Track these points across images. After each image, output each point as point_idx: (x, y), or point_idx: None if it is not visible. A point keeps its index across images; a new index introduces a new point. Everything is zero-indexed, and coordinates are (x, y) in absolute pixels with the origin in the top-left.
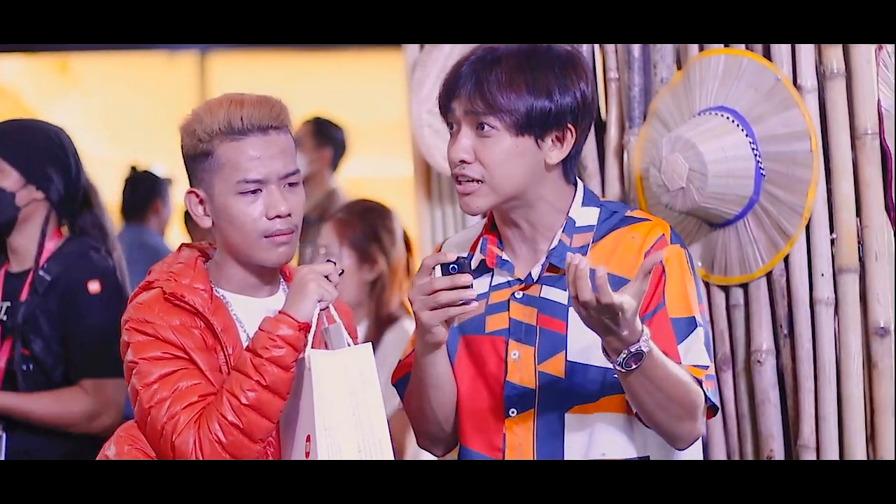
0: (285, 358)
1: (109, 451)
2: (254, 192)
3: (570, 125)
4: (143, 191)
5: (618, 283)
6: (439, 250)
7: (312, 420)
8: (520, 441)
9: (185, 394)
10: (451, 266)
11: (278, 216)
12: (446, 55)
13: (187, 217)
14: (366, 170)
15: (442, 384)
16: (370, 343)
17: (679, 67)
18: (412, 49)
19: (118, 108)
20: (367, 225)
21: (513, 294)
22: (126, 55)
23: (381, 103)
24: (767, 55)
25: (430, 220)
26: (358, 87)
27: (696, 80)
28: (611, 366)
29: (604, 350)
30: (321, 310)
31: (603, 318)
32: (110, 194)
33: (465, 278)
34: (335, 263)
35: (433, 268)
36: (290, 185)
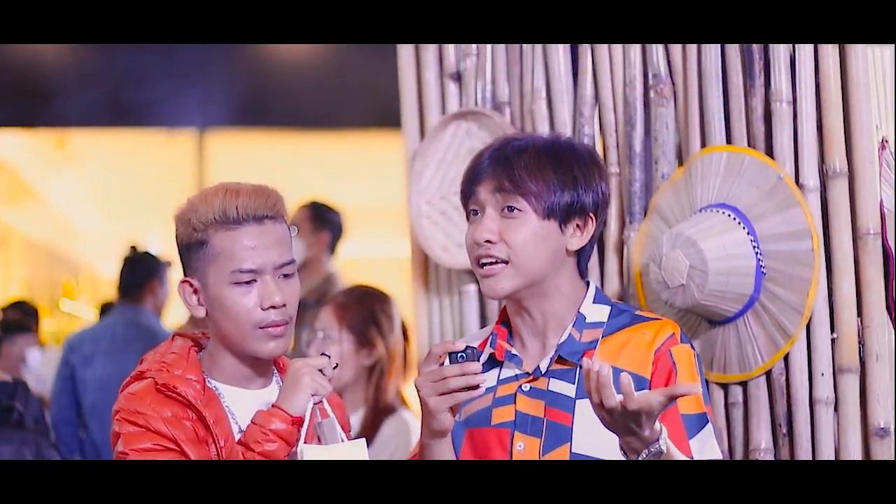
0: (277, 452)
1: None
2: (248, 282)
3: (591, 214)
4: (141, 271)
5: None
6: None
7: None
8: None
9: None
10: (459, 355)
11: (273, 307)
12: (446, 146)
13: None
14: (364, 251)
15: None
16: (364, 438)
17: (681, 163)
18: (412, 138)
19: (115, 184)
20: (366, 309)
21: (520, 387)
22: (124, 132)
23: (380, 183)
24: (770, 153)
25: (427, 309)
26: (356, 168)
27: (698, 177)
28: (619, 458)
29: (622, 449)
30: (315, 404)
31: (627, 422)
32: (107, 269)
33: (475, 366)
34: (329, 357)
35: (440, 356)
36: (285, 275)
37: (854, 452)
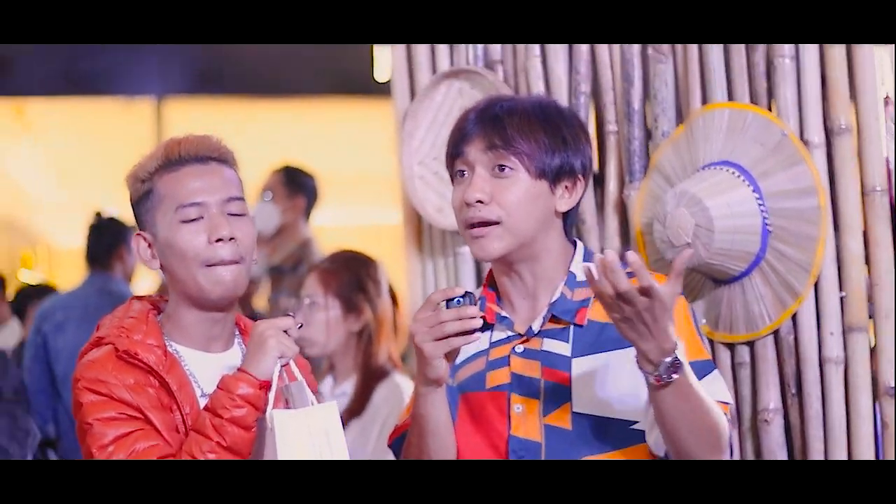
0: (246, 418)
1: None
2: (195, 219)
3: (580, 176)
4: (108, 237)
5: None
6: None
7: None
8: None
9: (141, 456)
10: (457, 300)
11: (220, 240)
12: (437, 105)
13: None
14: (354, 218)
15: (440, 433)
16: (335, 402)
17: (681, 121)
18: (402, 99)
19: (73, 153)
20: (352, 274)
21: (513, 348)
22: (81, 101)
23: (368, 151)
24: (773, 109)
25: (422, 272)
26: (318, 136)
27: (700, 134)
28: (619, 416)
29: (639, 365)
30: (282, 366)
31: (642, 314)
32: (65, 239)
33: (472, 309)
34: (294, 317)
35: (438, 303)
36: (234, 214)
37: (864, 412)
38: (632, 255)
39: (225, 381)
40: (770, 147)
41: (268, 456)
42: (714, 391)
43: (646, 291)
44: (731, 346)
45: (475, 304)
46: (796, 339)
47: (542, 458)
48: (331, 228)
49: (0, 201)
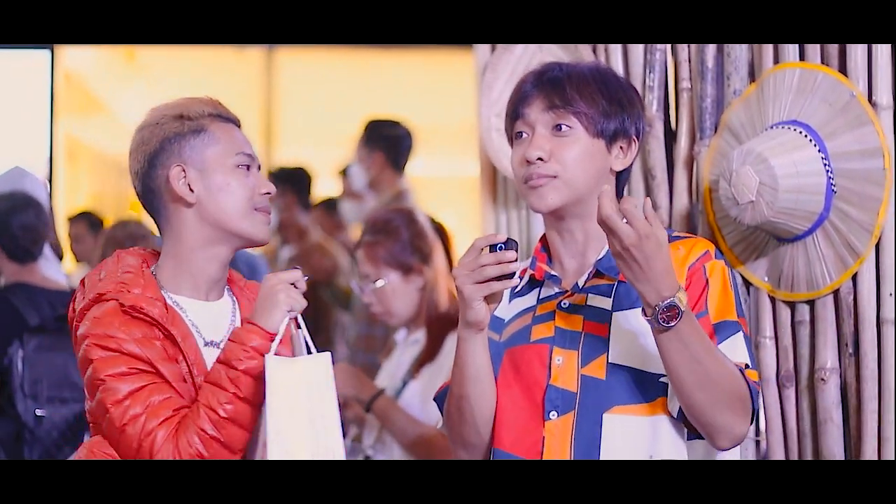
0: (259, 367)
1: None
2: (248, 167)
3: (634, 137)
4: None
5: None
6: None
7: (266, 425)
8: (558, 442)
9: (158, 409)
10: (499, 245)
11: (267, 192)
12: (517, 58)
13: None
14: (433, 170)
15: (480, 378)
16: (329, 352)
17: (753, 79)
18: (482, 51)
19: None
20: (396, 239)
21: (559, 304)
22: (194, 48)
23: (450, 103)
24: (843, 70)
25: (495, 222)
26: (426, 87)
27: (770, 94)
28: (650, 369)
29: (643, 310)
30: (290, 319)
31: (630, 251)
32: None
33: (511, 254)
34: (300, 269)
35: (482, 248)
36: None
37: None
38: (625, 201)
39: (237, 334)
40: (838, 107)
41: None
42: (734, 354)
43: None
44: (791, 305)
45: (515, 250)
46: (855, 299)
47: (576, 407)
48: (413, 179)
49: (112, 146)
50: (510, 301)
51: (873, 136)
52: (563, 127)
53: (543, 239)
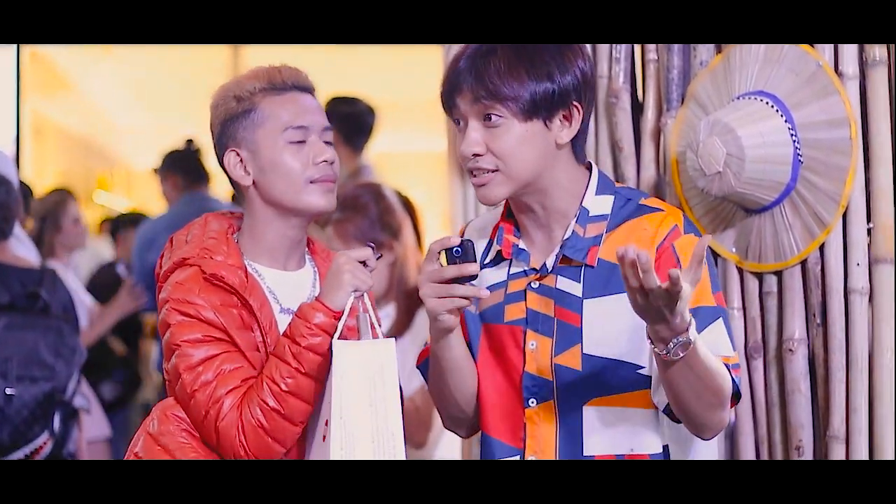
0: (322, 345)
1: (153, 429)
2: (300, 141)
3: (575, 103)
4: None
5: None
6: (463, 233)
7: (331, 406)
8: (541, 432)
9: (228, 378)
10: (455, 250)
11: (325, 161)
12: None
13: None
14: (400, 145)
15: (458, 368)
16: (393, 339)
17: (719, 51)
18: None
19: (152, 78)
20: (365, 215)
21: (529, 284)
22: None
23: (417, 79)
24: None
25: (463, 197)
26: (393, 63)
27: (737, 64)
28: (627, 359)
29: (650, 339)
30: (356, 297)
31: (660, 305)
32: (142, 161)
33: (472, 267)
34: (373, 247)
35: (439, 253)
36: (327, 142)
37: (887, 343)
38: (644, 256)
39: (303, 310)
40: (804, 78)
41: (329, 379)
42: (718, 345)
43: (672, 294)
44: (759, 276)
45: (473, 255)
46: (823, 269)
47: (555, 396)
48: (380, 155)
49: (79, 123)
50: (481, 269)
51: (839, 105)
52: (493, 117)
53: (507, 207)
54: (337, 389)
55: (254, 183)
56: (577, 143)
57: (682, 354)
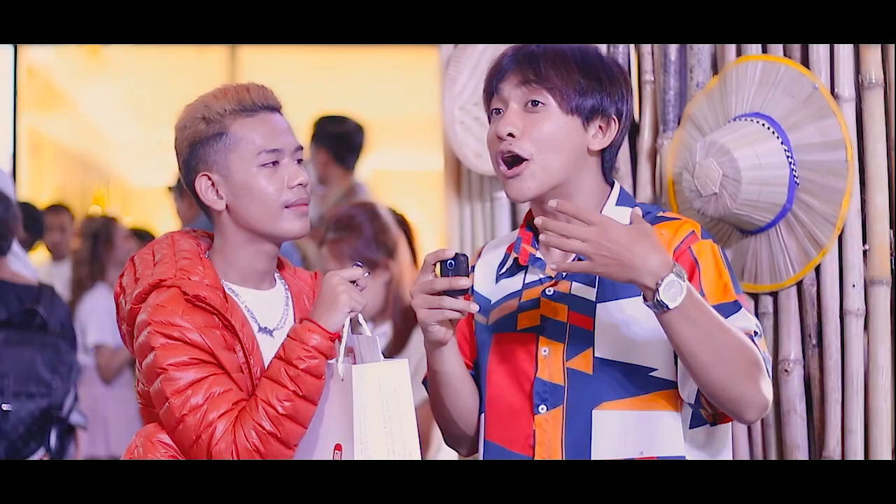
0: (319, 367)
1: (138, 456)
2: (273, 163)
3: (614, 116)
4: None
5: None
6: (479, 254)
7: (345, 430)
8: (549, 437)
9: (218, 401)
10: (449, 262)
11: (300, 184)
12: (480, 52)
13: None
14: (396, 163)
15: (453, 384)
16: (406, 360)
17: (716, 72)
18: (446, 45)
19: (148, 94)
20: (359, 235)
21: (543, 291)
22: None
23: (414, 97)
24: (806, 63)
25: (459, 215)
26: (390, 81)
27: (733, 86)
28: (638, 362)
29: (643, 299)
30: (350, 319)
31: (597, 245)
32: (138, 178)
33: (464, 281)
34: (362, 266)
35: (434, 265)
36: (299, 161)
37: (883, 364)
38: (560, 203)
39: (297, 332)
40: (800, 100)
41: (333, 402)
42: (740, 326)
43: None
44: (755, 297)
45: (466, 269)
46: (819, 290)
47: (565, 401)
48: (377, 173)
49: (75, 138)
50: (497, 282)
51: (835, 128)
52: (537, 103)
53: (528, 217)
54: (358, 415)
55: (227, 207)
56: (606, 158)
57: (676, 302)
